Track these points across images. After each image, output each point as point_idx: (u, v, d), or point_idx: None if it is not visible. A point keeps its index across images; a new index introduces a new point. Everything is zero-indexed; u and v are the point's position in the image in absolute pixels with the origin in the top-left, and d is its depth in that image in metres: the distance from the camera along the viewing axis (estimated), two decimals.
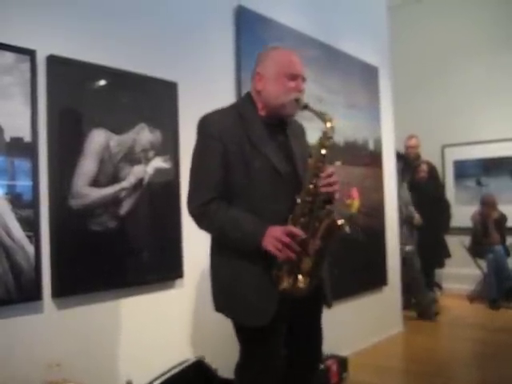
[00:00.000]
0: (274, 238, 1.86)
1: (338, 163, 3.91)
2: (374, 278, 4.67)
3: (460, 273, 6.58)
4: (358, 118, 4.52)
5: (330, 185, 1.95)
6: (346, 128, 4.30)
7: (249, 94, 2.12)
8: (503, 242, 6.30)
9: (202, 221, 1.99)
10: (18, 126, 2.21)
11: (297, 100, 2.00)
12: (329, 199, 2.01)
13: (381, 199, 4.82)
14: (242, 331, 2.04)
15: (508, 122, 6.70)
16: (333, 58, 4.22)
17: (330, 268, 2.17)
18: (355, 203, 4.25)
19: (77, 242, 2.39)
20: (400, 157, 5.66)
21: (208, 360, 2.84)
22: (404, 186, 5.57)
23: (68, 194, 2.36)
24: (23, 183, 2.22)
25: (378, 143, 4.81)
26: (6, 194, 2.16)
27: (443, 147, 7.15)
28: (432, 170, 6.17)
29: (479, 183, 6.89)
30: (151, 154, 2.73)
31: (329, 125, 1.96)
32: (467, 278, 6.50)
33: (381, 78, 4.92)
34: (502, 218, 6.39)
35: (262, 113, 2.06)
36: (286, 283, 1.92)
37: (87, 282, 2.43)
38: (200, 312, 2.93)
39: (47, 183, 2.30)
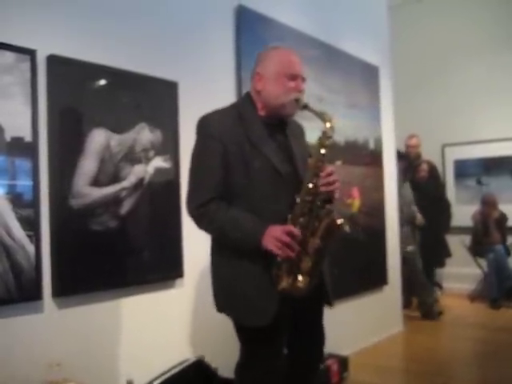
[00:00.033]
0: (274, 237, 1.86)
1: (338, 163, 3.92)
2: (375, 278, 4.67)
3: (460, 272, 6.58)
4: (359, 117, 4.52)
5: (329, 184, 1.95)
6: (347, 127, 4.30)
7: (248, 94, 2.12)
8: (504, 241, 6.30)
9: (201, 221, 1.99)
10: (19, 125, 2.21)
11: (297, 100, 2.00)
12: (329, 199, 2.01)
13: (381, 199, 4.82)
14: (242, 331, 2.04)
15: (508, 121, 6.69)
16: (333, 58, 4.22)
17: (330, 267, 2.17)
18: (356, 203, 4.26)
19: (77, 242, 2.39)
20: (402, 156, 5.66)
21: (208, 359, 2.84)
22: (406, 185, 5.56)
23: (68, 194, 2.36)
24: (24, 183, 2.22)
25: (379, 143, 4.81)
26: (7, 193, 2.16)
27: (443, 146, 7.15)
28: (432, 169, 6.17)
29: (480, 183, 6.88)
30: (152, 153, 2.73)
31: (328, 125, 1.96)
32: (468, 277, 6.50)
33: (381, 77, 4.92)
34: (503, 218, 6.39)
35: (262, 113, 2.06)
36: (285, 283, 1.93)
37: (87, 281, 2.43)
38: (200, 311, 2.93)
39: (48, 183, 2.30)
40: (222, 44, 3.26)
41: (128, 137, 2.62)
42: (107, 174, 2.52)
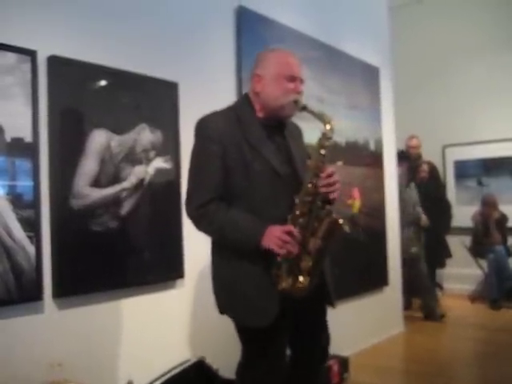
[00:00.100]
0: (274, 236, 1.86)
1: (339, 163, 3.92)
2: (375, 279, 4.67)
3: (461, 273, 6.58)
4: (359, 118, 4.52)
5: (329, 185, 1.95)
6: (347, 128, 4.30)
7: (246, 96, 2.12)
8: (504, 242, 6.30)
9: (200, 222, 1.99)
10: (19, 126, 2.21)
11: (295, 102, 2.00)
12: (328, 199, 2.00)
13: (382, 199, 4.82)
14: (243, 331, 2.04)
15: (509, 122, 6.69)
16: (334, 59, 4.22)
17: (331, 267, 2.16)
18: (356, 203, 4.26)
19: (78, 243, 2.39)
20: (406, 157, 5.65)
21: (209, 360, 2.84)
22: (411, 186, 5.54)
23: (69, 195, 2.36)
24: (24, 183, 2.22)
25: (379, 144, 4.81)
26: (7, 194, 2.16)
27: (444, 147, 7.16)
28: (433, 170, 6.17)
29: (480, 183, 6.88)
30: (152, 154, 2.73)
31: (328, 126, 1.96)
32: (468, 278, 6.50)
33: (382, 78, 4.92)
34: (503, 218, 6.39)
35: (260, 114, 2.06)
36: (285, 283, 1.92)
37: (88, 282, 2.43)
38: (201, 312, 2.93)
39: (48, 183, 2.31)
40: (223, 45, 3.26)
41: (128, 137, 2.63)
42: (108, 174, 2.52)
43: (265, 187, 1.96)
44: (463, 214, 6.50)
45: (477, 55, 6.84)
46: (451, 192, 7.00)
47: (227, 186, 1.96)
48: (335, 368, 3.48)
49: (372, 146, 4.70)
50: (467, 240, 6.47)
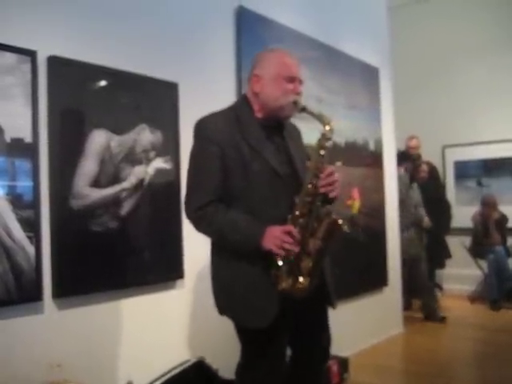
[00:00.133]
0: (274, 237, 1.86)
1: (338, 163, 3.91)
2: (375, 279, 4.67)
3: (461, 273, 6.58)
4: (359, 118, 4.52)
5: (329, 184, 1.95)
6: (347, 129, 4.31)
7: (245, 96, 2.12)
8: (504, 242, 6.30)
9: (199, 224, 1.99)
10: (19, 126, 2.21)
11: (295, 102, 2.00)
12: (328, 199, 2.01)
13: (381, 200, 4.82)
14: (243, 332, 2.04)
15: (509, 122, 6.70)
16: (333, 59, 4.22)
17: (332, 268, 2.16)
18: (356, 204, 4.26)
19: (77, 243, 2.39)
20: (408, 157, 5.64)
21: (209, 360, 2.84)
22: (414, 186, 5.54)
23: (69, 195, 2.36)
24: (24, 184, 2.22)
25: (379, 144, 4.81)
26: (7, 194, 2.16)
27: (444, 148, 7.16)
28: (432, 170, 6.17)
29: (480, 184, 6.88)
30: (152, 154, 2.74)
31: (327, 127, 1.96)
32: (468, 278, 6.50)
33: (381, 78, 4.92)
34: (503, 219, 6.39)
35: (259, 115, 2.05)
36: (285, 283, 1.92)
37: (88, 282, 2.43)
38: (201, 312, 2.93)
39: (48, 184, 2.31)
40: (223, 45, 3.27)
41: (128, 138, 2.63)
42: (107, 174, 2.52)
43: (264, 187, 1.96)
44: (463, 214, 6.50)
45: (477, 55, 6.84)
46: (451, 192, 7.00)
47: (226, 186, 1.96)
48: (335, 368, 3.48)
49: (371, 147, 4.70)
50: (467, 240, 6.47)
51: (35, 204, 2.25)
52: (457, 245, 6.37)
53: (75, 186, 2.38)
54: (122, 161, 2.59)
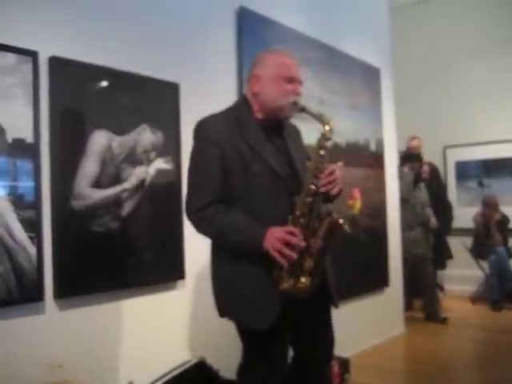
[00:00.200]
0: (275, 237, 1.86)
1: (339, 164, 3.90)
2: (376, 279, 4.67)
3: (462, 274, 6.57)
4: (360, 119, 4.52)
5: (330, 183, 1.95)
6: (348, 129, 4.31)
7: (244, 97, 2.11)
8: (505, 243, 6.30)
9: (200, 225, 1.98)
10: (20, 126, 2.21)
11: (294, 103, 2.00)
12: (329, 197, 2.00)
13: (383, 200, 4.82)
14: (244, 333, 2.04)
15: (510, 123, 6.69)
16: (334, 59, 4.22)
17: (333, 267, 2.16)
18: (357, 204, 4.25)
19: (79, 243, 2.40)
20: (414, 157, 5.62)
21: (210, 361, 2.83)
22: (421, 186, 5.53)
23: (70, 195, 2.36)
24: (25, 184, 2.22)
25: (380, 144, 4.81)
26: (8, 194, 2.16)
27: (445, 148, 7.15)
28: (434, 170, 6.17)
29: (481, 184, 6.87)
30: (153, 155, 2.74)
31: (327, 127, 1.96)
32: (469, 279, 6.49)
33: (382, 79, 4.92)
34: (504, 219, 6.38)
35: (259, 115, 2.05)
36: (286, 284, 1.92)
37: (89, 282, 2.43)
38: (202, 313, 2.93)
39: (49, 184, 2.31)
40: (224, 45, 3.27)
41: (129, 138, 2.63)
42: (108, 175, 2.52)
43: (264, 188, 1.96)
44: (464, 214, 6.50)
45: (478, 56, 6.83)
46: (452, 193, 7.00)
47: (227, 186, 1.95)
48: (336, 369, 3.47)
49: (373, 147, 4.70)
50: (468, 241, 6.47)
51: (36, 204, 2.25)
52: (458, 245, 6.37)
53: (76, 187, 2.38)
54: (122, 161, 2.59)
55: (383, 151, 4.86)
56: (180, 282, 2.89)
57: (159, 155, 2.77)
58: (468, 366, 4.13)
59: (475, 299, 6.25)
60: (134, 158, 2.64)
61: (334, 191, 1.98)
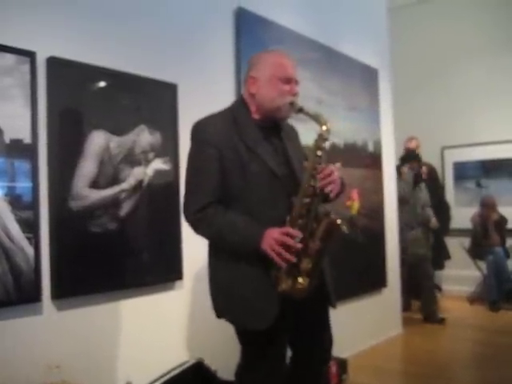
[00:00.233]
0: (273, 238, 1.86)
1: (337, 165, 3.90)
2: (374, 280, 4.67)
3: (460, 274, 6.58)
4: (358, 119, 4.52)
5: (329, 183, 1.95)
6: (346, 130, 4.31)
7: (241, 98, 2.11)
8: (503, 243, 6.30)
9: (198, 226, 1.98)
10: (18, 127, 2.21)
11: (291, 103, 2.00)
12: (326, 199, 2.00)
13: (380, 201, 4.82)
14: (243, 333, 2.04)
15: (508, 124, 6.70)
16: (333, 60, 4.23)
17: (331, 268, 2.16)
18: (355, 205, 4.26)
19: (76, 244, 2.39)
20: (414, 157, 5.62)
21: (207, 361, 2.83)
22: (422, 186, 5.54)
23: (68, 196, 2.36)
24: (23, 185, 2.22)
25: (378, 145, 4.82)
26: (6, 195, 2.16)
27: (443, 149, 7.16)
28: (432, 171, 6.17)
29: (479, 185, 6.88)
30: (151, 155, 2.74)
31: (324, 127, 1.96)
32: (467, 279, 6.50)
33: (381, 80, 4.92)
34: (502, 220, 6.39)
35: (256, 116, 2.05)
36: (285, 284, 1.92)
37: (87, 283, 2.43)
38: (200, 313, 2.92)
39: (47, 185, 2.31)
40: (222, 46, 3.27)
41: (127, 139, 2.63)
42: (106, 175, 2.52)
43: (262, 188, 1.96)
44: (462, 215, 6.51)
45: (476, 57, 6.85)
46: (450, 193, 7.01)
47: (225, 186, 1.95)
48: (334, 369, 3.48)
49: (371, 148, 4.70)
50: (466, 242, 6.48)
51: (34, 205, 2.25)
52: (456, 246, 6.37)
53: (74, 187, 2.38)
54: (121, 162, 2.59)
55: (381, 152, 4.86)
56: (178, 283, 2.89)
57: (157, 156, 2.77)
58: (466, 366, 4.13)
59: (473, 300, 6.26)
60: (132, 159, 2.64)
61: (329, 188, 1.97)
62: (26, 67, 2.24)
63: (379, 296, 4.74)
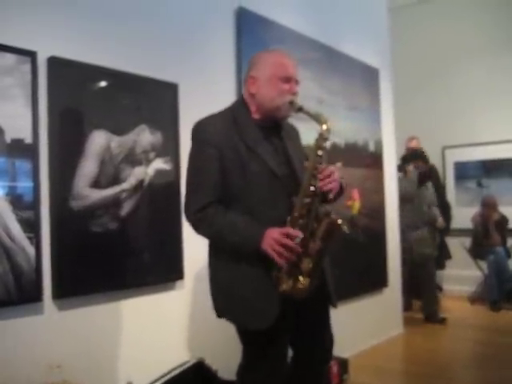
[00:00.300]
0: (272, 239, 1.86)
1: (338, 164, 3.90)
2: (375, 280, 4.67)
3: (461, 274, 6.58)
4: (359, 119, 4.52)
5: (329, 183, 1.95)
6: (347, 129, 4.31)
7: (242, 98, 2.11)
8: (504, 243, 6.30)
9: (199, 226, 1.98)
10: (19, 127, 2.21)
11: (291, 102, 2.00)
12: (326, 199, 2.00)
13: (381, 201, 4.82)
14: (244, 333, 2.03)
15: (508, 123, 6.70)
16: (333, 60, 4.22)
17: (332, 267, 2.16)
18: (356, 204, 4.26)
19: (77, 244, 2.39)
20: (419, 156, 5.61)
21: (208, 361, 2.83)
22: (428, 185, 5.53)
23: (69, 196, 2.36)
24: (24, 184, 2.22)
25: (379, 145, 4.82)
26: (7, 195, 2.16)
27: (444, 148, 7.16)
28: (432, 171, 6.16)
29: (480, 185, 6.88)
30: (152, 155, 2.74)
31: (324, 126, 1.96)
32: (468, 279, 6.50)
33: (381, 79, 4.92)
34: (503, 220, 6.39)
35: (256, 116, 2.05)
36: (285, 285, 1.92)
37: (88, 283, 2.43)
38: (200, 313, 2.92)
39: (48, 184, 2.31)
40: (223, 46, 3.27)
41: (128, 138, 2.63)
42: (107, 175, 2.52)
43: (263, 188, 1.96)
44: (463, 215, 6.50)
45: (477, 56, 6.84)
46: (451, 193, 7.00)
47: (225, 185, 1.95)
48: (335, 369, 3.48)
49: (372, 147, 4.70)
50: (467, 241, 6.48)
51: (35, 205, 2.25)
52: (457, 246, 6.37)
53: (75, 187, 2.38)
54: (121, 162, 2.59)
55: (382, 152, 4.86)
56: (179, 283, 2.89)
57: (158, 155, 2.77)
58: (467, 366, 4.13)
59: (474, 299, 6.26)
60: (132, 159, 2.64)
61: (333, 193, 1.97)
62: (27, 67, 2.24)
63: (380, 296, 4.74)
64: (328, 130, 1.96)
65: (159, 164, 2.77)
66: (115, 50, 2.63)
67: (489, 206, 6.37)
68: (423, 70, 7.11)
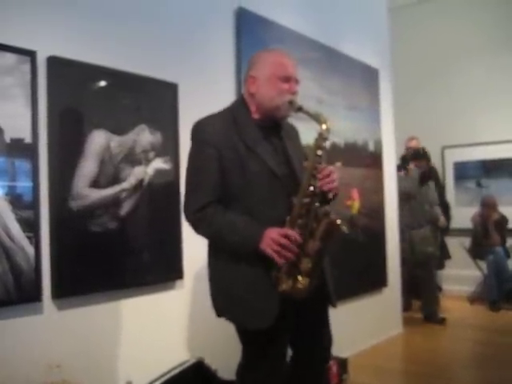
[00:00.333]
0: (271, 239, 1.86)
1: (338, 164, 3.92)
2: (374, 280, 4.67)
3: (460, 274, 6.58)
4: (359, 119, 4.52)
5: (328, 183, 1.95)
6: (347, 129, 4.31)
7: (241, 97, 2.11)
8: (503, 243, 6.30)
9: (199, 226, 1.98)
10: (19, 126, 2.21)
11: (290, 102, 2.00)
12: (326, 199, 2.00)
13: (381, 200, 4.82)
14: (244, 333, 2.04)
15: (508, 123, 6.70)
16: (333, 60, 4.23)
17: (331, 267, 2.16)
18: (355, 204, 4.26)
19: (77, 243, 2.39)
20: (422, 155, 5.61)
21: (208, 361, 2.84)
22: (430, 185, 5.53)
23: (68, 195, 2.36)
24: (23, 184, 2.22)
25: (379, 145, 4.82)
26: (7, 194, 2.16)
27: (443, 148, 7.16)
28: (432, 171, 6.16)
29: (479, 185, 6.88)
30: (151, 155, 2.74)
31: (324, 126, 1.96)
32: (467, 279, 6.50)
33: (381, 79, 4.92)
34: (503, 220, 6.39)
35: (256, 116, 2.05)
36: (285, 285, 1.92)
37: (87, 282, 2.43)
38: (200, 313, 2.92)
39: (47, 184, 2.31)
40: (222, 46, 3.27)
41: (128, 138, 2.63)
42: (107, 175, 2.52)
43: (262, 188, 1.96)
44: (462, 215, 6.50)
45: (476, 56, 6.84)
46: (450, 193, 7.00)
47: (225, 185, 1.96)
48: (334, 369, 3.48)
49: (371, 147, 4.70)
50: (466, 241, 6.48)
51: (35, 204, 2.25)
52: (456, 246, 6.37)
53: (75, 187, 2.38)
54: (121, 161, 2.59)
55: (382, 152, 4.86)
56: (178, 282, 2.90)
57: (158, 155, 2.77)
58: (466, 366, 4.13)
59: (473, 299, 6.26)
60: (132, 158, 2.64)
61: (328, 187, 1.97)
62: (27, 67, 2.24)
63: (380, 295, 4.74)
64: (327, 129, 1.96)
65: (159, 164, 2.77)
66: (115, 49, 2.63)
67: (488, 205, 6.37)
68: (423, 69, 7.11)
